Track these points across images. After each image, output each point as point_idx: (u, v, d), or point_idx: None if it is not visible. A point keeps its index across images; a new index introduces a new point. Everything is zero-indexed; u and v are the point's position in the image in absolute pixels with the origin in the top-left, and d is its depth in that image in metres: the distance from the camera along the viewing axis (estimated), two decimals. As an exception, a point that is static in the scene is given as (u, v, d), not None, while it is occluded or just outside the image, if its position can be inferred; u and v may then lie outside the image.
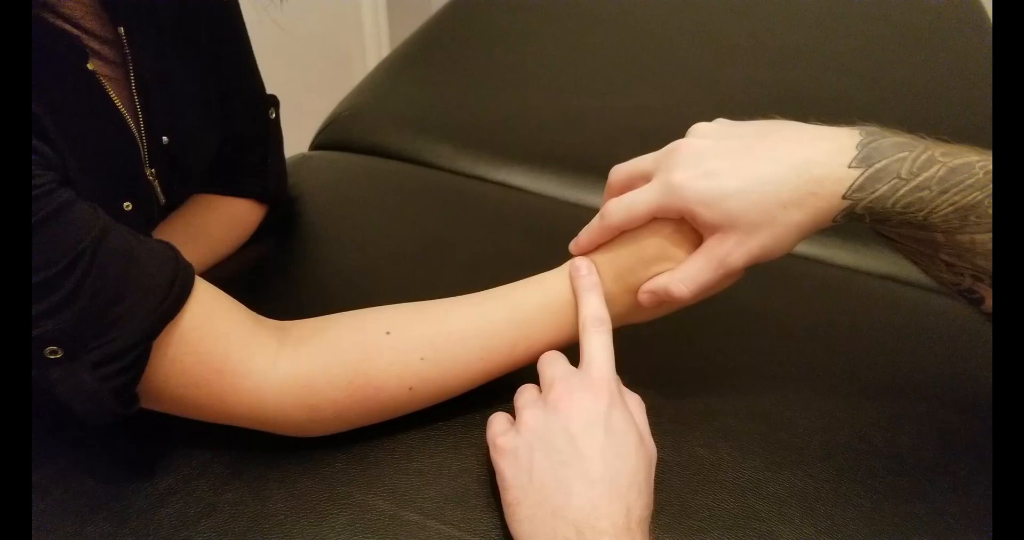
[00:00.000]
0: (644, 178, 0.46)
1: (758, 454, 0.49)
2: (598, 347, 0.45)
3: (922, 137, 0.41)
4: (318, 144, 0.84)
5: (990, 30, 0.98)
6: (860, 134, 0.41)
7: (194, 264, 0.60)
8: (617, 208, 0.46)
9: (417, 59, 0.95)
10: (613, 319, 0.47)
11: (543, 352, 0.48)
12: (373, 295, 0.59)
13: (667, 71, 0.91)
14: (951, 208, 0.39)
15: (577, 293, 0.47)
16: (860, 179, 0.40)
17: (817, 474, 0.47)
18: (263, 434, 0.46)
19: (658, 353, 0.55)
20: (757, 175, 0.41)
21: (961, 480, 0.47)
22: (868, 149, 0.40)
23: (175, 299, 0.41)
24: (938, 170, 0.39)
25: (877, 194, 0.40)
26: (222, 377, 0.44)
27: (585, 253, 0.49)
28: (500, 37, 0.98)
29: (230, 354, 0.44)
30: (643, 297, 0.46)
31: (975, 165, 0.39)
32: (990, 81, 0.87)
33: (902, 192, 0.40)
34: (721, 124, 0.45)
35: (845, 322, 0.60)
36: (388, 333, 0.46)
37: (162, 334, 0.41)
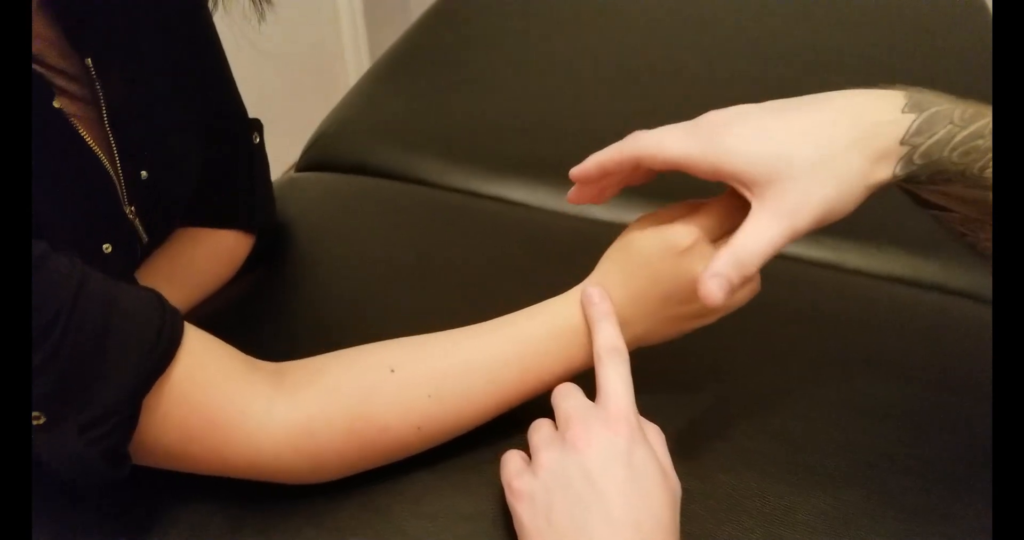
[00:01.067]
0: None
1: (781, 478, 0.47)
2: (615, 379, 0.42)
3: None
4: (304, 165, 0.81)
5: (990, 24, 0.96)
6: (902, 90, 0.39)
7: (182, 301, 0.58)
8: (645, 137, 0.41)
9: (400, 71, 0.92)
10: (628, 343, 0.45)
11: (555, 382, 0.46)
12: (372, 324, 0.57)
13: (659, 73, 0.89)
14: None
15: (591, 322, 0.45)
16: (916, 122, 0.38)
17: (844, 497, 0.46)
18: (265, 483, 0.44)
19: (668, 373, 0.53)
20: (810, 120, 0.39)
21: (990, 496, 0.45)
22: (916, 98, 0.39)
23: (163, 352, 0.39)
24: (989, 122, 0.38)
25: (935, 138, 0.38)
26: (217, 429, 0.41)
27: (587, 178, 0.45)
28: (485, 44, 0.95)
29: (224, 405, 0.41)
30: (708, 286, 0.38)
31: None
32: (988, 76, 0.86)
33: (959, 138, 0.38)
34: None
35: (857, 331, 0.58)
36: (392, 371, 0.44)
37: (151, 389, 0.39)
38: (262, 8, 0.50)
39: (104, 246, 0.47)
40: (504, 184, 0.74)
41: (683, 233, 0.43)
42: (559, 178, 0.74)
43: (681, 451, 0.46)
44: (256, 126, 0.63)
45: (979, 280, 0.64)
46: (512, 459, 0.43)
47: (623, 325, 0.45)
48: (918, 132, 0.38)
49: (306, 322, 0.58)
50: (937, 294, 0.64)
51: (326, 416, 0.43)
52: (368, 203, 0.72)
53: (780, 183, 0.38)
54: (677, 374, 0.53)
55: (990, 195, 0.39)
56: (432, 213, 0.70)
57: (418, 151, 0.78)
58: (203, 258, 0.60)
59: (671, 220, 0.45)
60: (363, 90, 0.90)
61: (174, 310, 0.41)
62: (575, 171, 0.45)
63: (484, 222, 0.69)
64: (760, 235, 0.38)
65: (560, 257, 0.63)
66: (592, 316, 0.45)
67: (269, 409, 0.42)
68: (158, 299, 0.41)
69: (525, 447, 0.45)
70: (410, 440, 0.45)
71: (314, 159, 0.81)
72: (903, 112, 0.38)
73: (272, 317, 0.58)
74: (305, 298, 0.60)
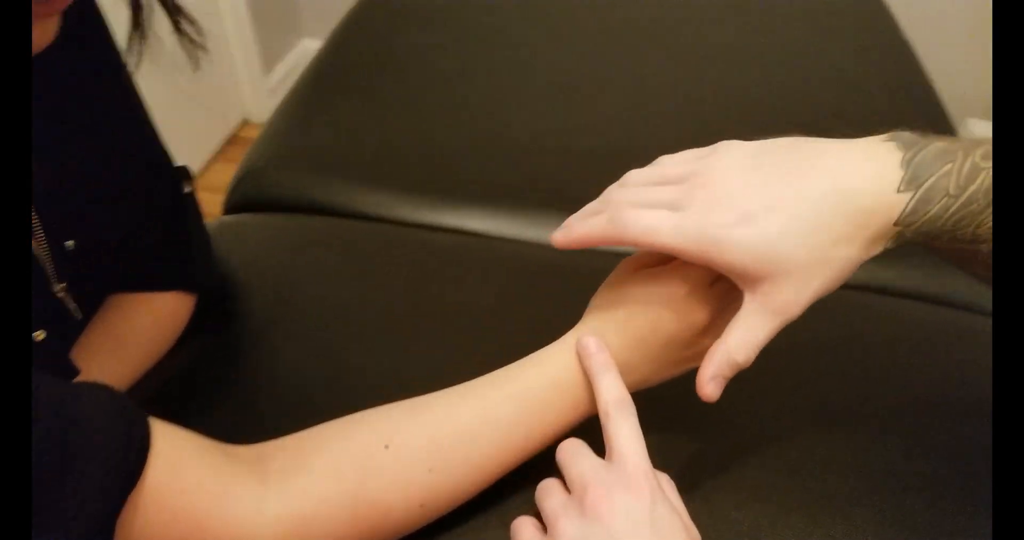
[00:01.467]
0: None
1: (793, 510, 0.46)
2: (627, 435, 0.40)
3: (954, 139, 0.38)
4: (232, 206, 0.75)
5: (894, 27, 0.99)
6: (899, 148, 0.38)
7: (125, 377, 0.52)
8: (636, 224, 0.40)
9: (322, 95, 0.87)
10: (629, 387, 0.43)
11: (559, 435, 0.43)
12: (341, 382, 0.53)
13: (601, 84, 0.87)
14: None
15: (590, 375, 0.43)
16: (911, 203, 0.37)
17: (859, 523, 0.45)
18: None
19: (667, 411, 0.51)
20: (801, 214, 0.37)
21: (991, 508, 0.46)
22: (914, 167, 0.37)
23: (132, 465, 0.34)
24: (984, 180, 0.37)
25: (929, 215, 0.37)
26: (204, 534, 0.37)
27: (570, 248, 0.43)
28: (406, 60, 0.91)
29: (210, 508, 0.37)
30: (708, 389, 0.40)
31: None
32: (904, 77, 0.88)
33: (952, 210, 0.37)
34: (737, 148, 0.40)
35: (849, 345, 0.58)
36: (387, 447, 0.41)
37: (125, 505, 0.34)
38: (196, 55, 0.45)
39: (35, 333, 0.42)
40: (459, 214, 0.70)
41: (679, 281, 0.42)
42: (517, 203, 0.73)
43: (691, 491, 0.45)
44: (184, 174, 0.57)
45: (972, 290, 0.66)
46: (525, 528, 0.40)
47: (623, 372, 0.43)
48: (913, 212, 0.37)
49: (267, 388, 0.53)
50: (930, 305, 0.65)
51: (323, 504, 0.39)
52: (314, 244, 0.67)
53: (772, 279, 0.38)
54: (677, 411, 0.52)
55: (982, 247, 0.38)
56: (385, 250, 0.66)
57: (359, 183, 0.73)
58: (143, 327, 0.54)
59: (660, 262, 0.44)
60: (285, 120, 0.84)
61: (138, 412, 0.37)
62: (558, 239, 0.44)
63: (446, 257, 0.66)
64: (753, 334, 0.39)
65: (531, 287, 0.61)
66: (591, 368, 0.43)
67: (260, 506, 0.38)
68: (116, 400, 0.36)
69: (528, 507, 0.42)
70: (413, 519, 0.41)
71: (243, 198, 0.75)
72: (899, 191, 0.37)
73: (227, 387, 0.53)
74: (261, 360, 0.55)
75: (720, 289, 0.43)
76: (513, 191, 0.72)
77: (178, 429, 0.39)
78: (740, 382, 0.50)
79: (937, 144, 0.37)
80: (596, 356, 0.43)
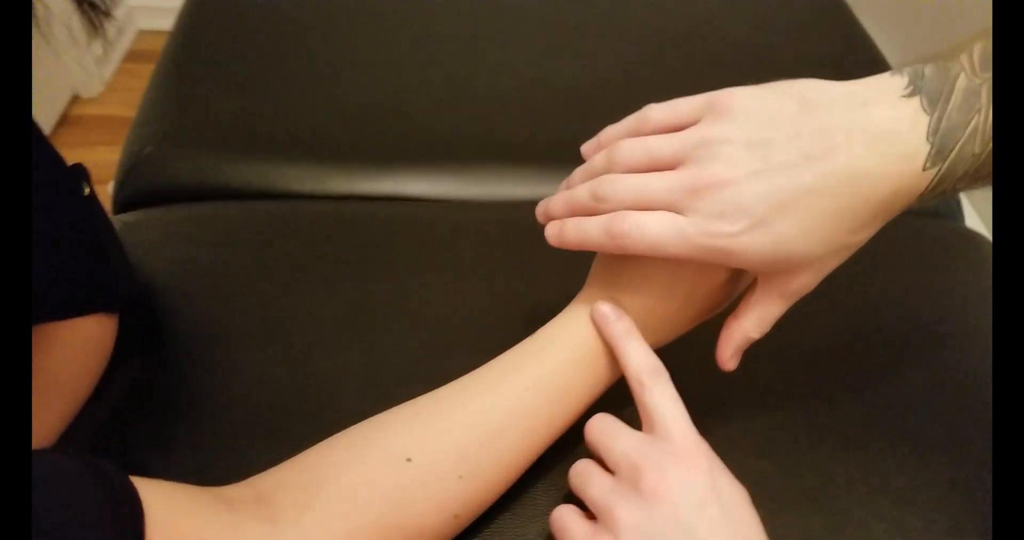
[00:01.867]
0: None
1: (808, 445, 0.46)
2: (668, 404, 0.38)
3: (967, 56, 0.35)
4: (124, 203, 0.66)
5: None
6: (925, 108, 0.34)
7: (59, 421, 0.45)
8: (639, 237, 0.36)
9: (201, 65, 0.76)
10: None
11: (582, 412, 0.41)
12: (311, 393, 0.48)
13: (518, 23, 0.82)
14: None
15: (614, 343, 0.40)
16: (937, 177, 0.35)
17: (873, 453, 0.46)
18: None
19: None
20: (816, 211, 0.34)
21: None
22: (940, 137, 0.34)
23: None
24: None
25: (954, 180, 0.35)
26: None
27: (568, 247, 0.40)
28: (298, 14, 0.82)
29: None
30: (730, 365, 0.41)
31: None
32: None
33: (977, 165, 0.35)
34: (739, 116, 0.36)
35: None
36: (409, 460, 0.37)
37: None
38: (100, 23, 0.37)
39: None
40: (396, 179, 0.64)
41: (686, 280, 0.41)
42: (455, 160, 0.66)
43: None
44: (81, 173, 0.48)
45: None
46: (572, 521, 0.38)
47: (643, 335, 0.41)
48: (938, 185, 0.35)
49: (227, 411, 0.47)
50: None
51: (358, 532, 0.35)
52: (234, 235, 0.59)
53: (788, 272, 0.37)
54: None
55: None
56: (321, 230, 0.59)
57: (266, 157, 0.66)
58: (65, 361, 0.46)
59: None
60: (161, 98, 0.73)
61: (114, 472, 0.31)
62: (551, 238, 0.40)
63: (391, 229, 0.60)
64: (768, 314, 0.39)
65: (501, 256, 0.57)
66: (613, 336, 0.40)
67: None
68: (84, 469, 0.30)
69: (555, 491, 0.40)
70: (447, 532, 0.38)
71: (136, 192, 0.65)
72: (924, 169, 0.34)
73: (179, 417, 0.46)
74: (211, 379, 0.49)
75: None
76: (444, 147, 0.67)
77: (162, 484, 0.33)
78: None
79: (960, 85, 0.34)
80: (617, 323, 0.40)
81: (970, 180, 0.35)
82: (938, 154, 0.34)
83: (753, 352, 0.41)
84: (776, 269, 0.37)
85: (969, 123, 0.34)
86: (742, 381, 0.44)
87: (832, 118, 0.34)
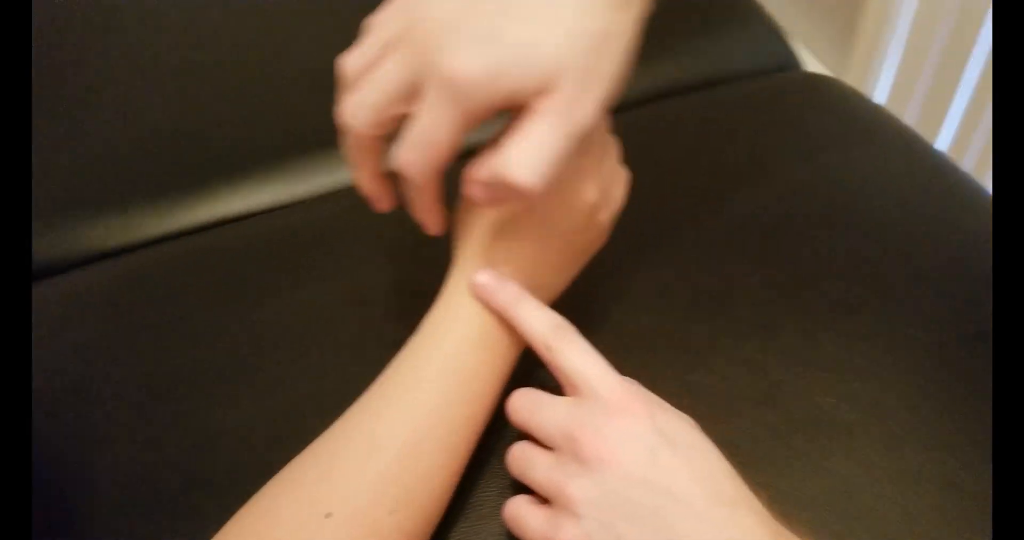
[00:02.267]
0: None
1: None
2: (583, 359, 0.35)
3: None
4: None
5: None
6: None
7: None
8: (358, 108, 0.32)
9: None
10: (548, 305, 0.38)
11: (498, 396, 0.38)
12: (206, 460, 0.42)
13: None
14: None
15: (507, 312, 0.37)
16: None
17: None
18: None
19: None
20: (553, 19, 0.29)
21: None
22: None
23: None
24: None
25: None
26: None
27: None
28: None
29: None
30: (474, 190, 0.33)
31: None
32: None
33: None
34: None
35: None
36: (330, 515, 0.32)
37: None
38: None
39: None
40: (211, 202, 0.58)
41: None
42: (251, 168, 0.59)
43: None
44: None
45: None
46: (528, 512, 0.35)
47: (536, 293, 0.37)
48: None
49: (118, 486, 0.41)
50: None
51: None
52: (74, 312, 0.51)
53: (547, 93, 0.30)
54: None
55: None
56: (162, 278, 0.52)
57: (77, 217, 0.57)
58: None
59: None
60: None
61: None
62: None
63: (240, 255, 0.54)
64: (536, 143, 0.30)
65: (340, 245, 0.52)
66: (504, 304, 0.36)
67: None
68: None
69: (496, 480, 0.37)
70: None
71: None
72: None
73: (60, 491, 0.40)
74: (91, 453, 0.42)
75: (593, 157, 0.37)
76: (261, 150, 0.60)
77: None
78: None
79: None
80: (501, 290, 0.36)
81: None
82: None
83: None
84: (528, 87, 0.30)
85: None
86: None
87: None
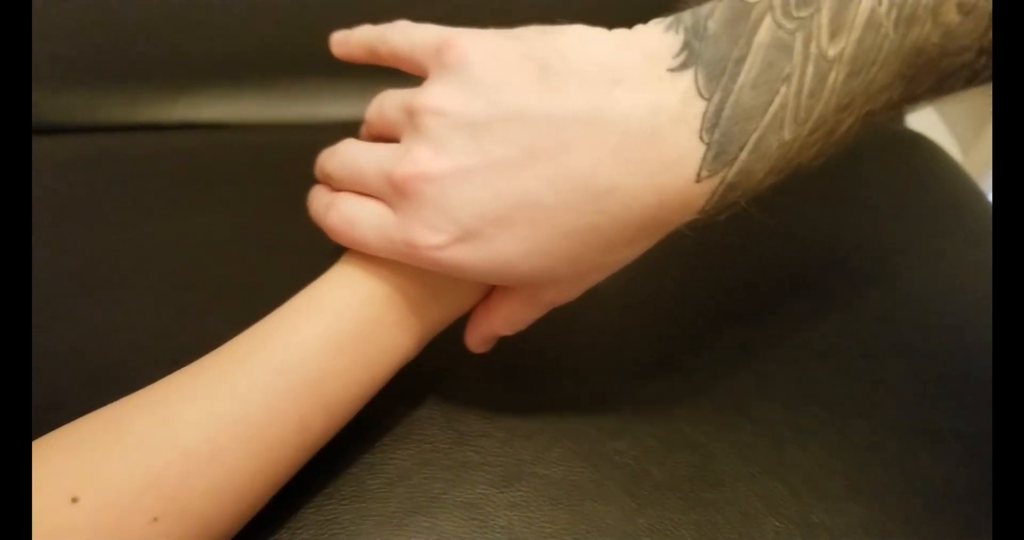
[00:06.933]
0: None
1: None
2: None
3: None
4: None
5: None
6: (699, 90, 0.23)
7: None
8: (346, 236, 0.30)
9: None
10: (433, 330, 0.32)
11: (349, 413, 0.30)
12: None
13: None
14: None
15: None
16: (720, 191, 0.24)
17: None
18: None
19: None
20: (547, 230, 0.25)
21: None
22: (722, 132, 0.23)
23: None
24: (836, 78, 0.23)
25: (753, 183, 0.24)
26: None
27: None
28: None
29: None
30: (478, 349, 0.33)
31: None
32: None
33: (793, 152, 0.24)
34: (467, 68, 0.26)
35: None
36: (75, 499, 0.25)
37: None
38: None
39: None
40: (185, 102, 0.52)
41: None
42: (266, 77, 0.55)
43: (552, 427, 0.34)
44: None
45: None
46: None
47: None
48: (724, 198, 0.25)
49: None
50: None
51: None
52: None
53: (528, 287, 0.30)
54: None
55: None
56: (91, 168, 0.47)
57: (46, 84, 0.52)
58: None
59: None
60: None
61: None
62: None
63: (176, 163, 0.48)
64: (519, 318, 0.31)
65: (299, 179, 0.45)
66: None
67: None
68: None
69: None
70: None
71: None
72: (699, 179, 0.23)
73: None
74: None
75: None
76: (261, 60, 0.54)
77: None
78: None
79: (761, 39, 0.23)
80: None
81: (784, 175, 0.25)
82: (719, 157, 0.23)
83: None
84: (508, 284, 0.30)
85: (772, 102, 0.23)
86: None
87: (569, 100, 0.24)
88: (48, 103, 0.51)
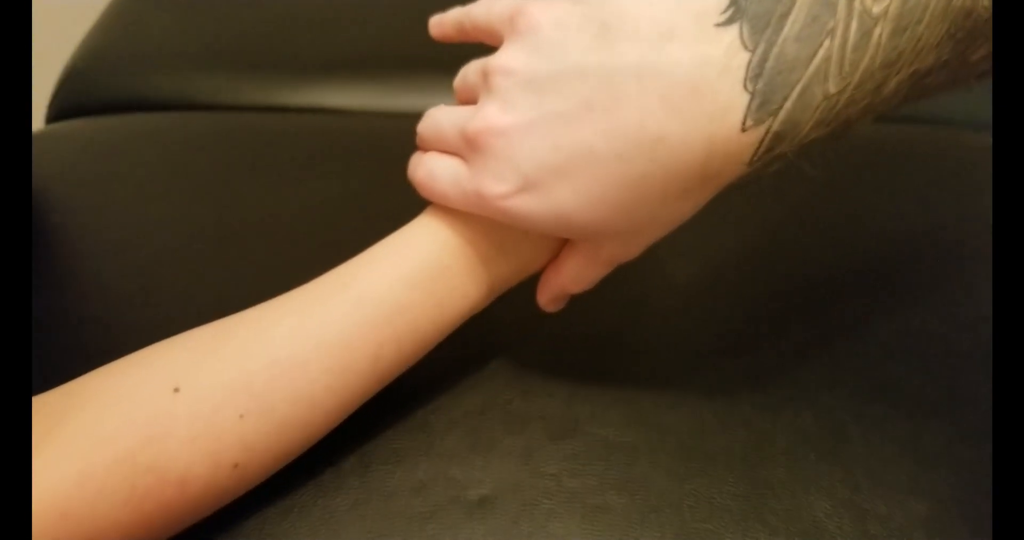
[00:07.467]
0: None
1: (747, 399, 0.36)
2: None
3: None
4: (55, 114, 0.62)
5: None
6: (740, 28, 0.24)
7: None
8: (430, 191, 0.33)
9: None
10: (502, 284, 0.34)
11: (419, 349, 0.33)
12: (159, 324, 0.41)
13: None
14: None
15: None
16: (766, 140, 0.25)
17: (824, 400, 0.36)
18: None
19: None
20: (602, 177, 0.27)
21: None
22: (766, 82, 0.24)
23: None
24: (880, 34, 0.24)
25: (800, 135, 0.26)
26: None
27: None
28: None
29: None
30: (550, 308, 0.36)
31: None
32: None
33: (839, 106, 0.25)
34: (535, 31, 0.28)
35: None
36: (177, 390, 0.29)
37: None
38: None
39: None
40: (317, 90, 0.57)
41: None
42: (387, 69, 0.61)
43: (613, 394, 0.36)
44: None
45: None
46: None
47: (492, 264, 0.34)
48: (771, 148, 0.26)
49: (69, 333, 0.41)
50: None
51: (93, 481, 0.28)
52: (140, 146, 0.54)
53: (589, 240, 0.32)
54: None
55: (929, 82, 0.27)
56: (229, 144, 0.53)
57: (200, 69, 0.60)
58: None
59: None
60: (121, 7, 0.69)
61: None
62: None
63: (302, 143, 0.53)
64: (586, 276, 0.33)
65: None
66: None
67: None
68: None
69: (409, 457, 0.33)
70: (225, 486, 0.30)
71: (67, 103, 0.61)
72: (744, 129, 0.25)
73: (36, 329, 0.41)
74: (65, 297, 0.43)
75: None
76: (372, 57, 0.59)
77: None
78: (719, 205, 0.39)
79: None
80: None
81: (833, 128, 0.26)
82: (763, 107, 0.24)
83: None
84: (569, 236, 0.32)
85: (816, 54, 0.24)
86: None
87: (623, 56, 0.26)
88: (200, 85, 0.59)
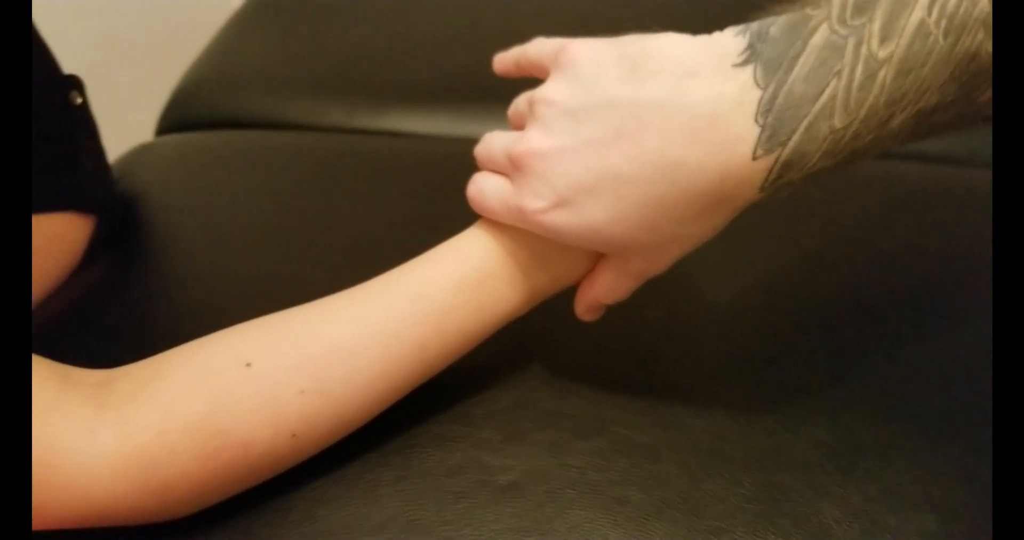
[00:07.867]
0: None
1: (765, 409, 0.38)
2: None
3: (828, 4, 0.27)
4: (164, 127, 0.69)
5: None
6: (754, 69, 0.27)
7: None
8: (480, 205, 0.36)
9: (272, 8, 0.79)
10: (540, 293, 0.37)
11: (466, 345, 0.37)
12: (239, 312, 0.46)
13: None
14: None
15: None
16: (776, 168, 0.28)
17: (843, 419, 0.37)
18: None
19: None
20: (627, 196, 0.30)
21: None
22: (775, 116, 0.27)
23: None
24: (885, 76, 0.27)
25: (809, 166, 0.28)
26: None
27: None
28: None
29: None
30: (586, 317, 0.39)
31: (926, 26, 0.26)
32: None
33: (845, 140, 0.28)
34: (575, 66, 0.32)
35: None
36: (248, 365, 0.34)
37: None
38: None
39: None
40: (395, 115, 0.63)
41: None
42: (457, 98, 0.65)
43: (641, 400, 0.38)
44: (74, 83, 0.51)
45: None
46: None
47: (531, 277, 0.37)
48: (781, 175, 0.29)
49: (156, 317, 0.46)
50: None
51: (166, 437, 0.32)
52: (237, 159, 0.60)
53: (617, 254, 0.35)
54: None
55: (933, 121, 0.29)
56: (313, 160, 0.58)
57: (292, 92, 0.66)
58: (32, 253, 0.48)
59: None
60: (229, 35, 0.77)
61: None
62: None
63: (378, 162, 0.58)
64: (617, 289, 0.36)
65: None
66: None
67: (92, 437, 0.32)
68: None
69: (446, 436, 0.36)
70: (283, 452, 0.34)
71: (176, 118, 0.68)
72: (755, 158, 0.28)
73: (117, 316, 0.47)
74: (157, 286, 0.49)
75: None
76: (447, 86, 0.64)
77: None
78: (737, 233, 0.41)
79: (816, 42, 0.27)
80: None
81: (840, 159, 0.28)
82: (772, 138, 0.27)
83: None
84: (599, 250, 0.35)
85: (823, 93, 0.27)
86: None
87: (650, 91, 0.29)
88: (291, 107, 0.65)
